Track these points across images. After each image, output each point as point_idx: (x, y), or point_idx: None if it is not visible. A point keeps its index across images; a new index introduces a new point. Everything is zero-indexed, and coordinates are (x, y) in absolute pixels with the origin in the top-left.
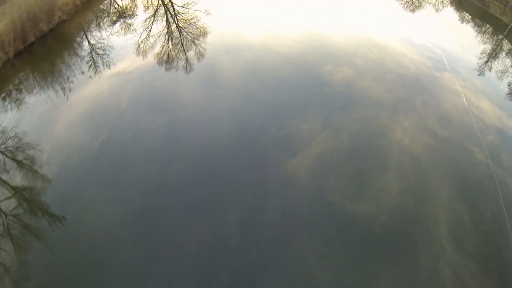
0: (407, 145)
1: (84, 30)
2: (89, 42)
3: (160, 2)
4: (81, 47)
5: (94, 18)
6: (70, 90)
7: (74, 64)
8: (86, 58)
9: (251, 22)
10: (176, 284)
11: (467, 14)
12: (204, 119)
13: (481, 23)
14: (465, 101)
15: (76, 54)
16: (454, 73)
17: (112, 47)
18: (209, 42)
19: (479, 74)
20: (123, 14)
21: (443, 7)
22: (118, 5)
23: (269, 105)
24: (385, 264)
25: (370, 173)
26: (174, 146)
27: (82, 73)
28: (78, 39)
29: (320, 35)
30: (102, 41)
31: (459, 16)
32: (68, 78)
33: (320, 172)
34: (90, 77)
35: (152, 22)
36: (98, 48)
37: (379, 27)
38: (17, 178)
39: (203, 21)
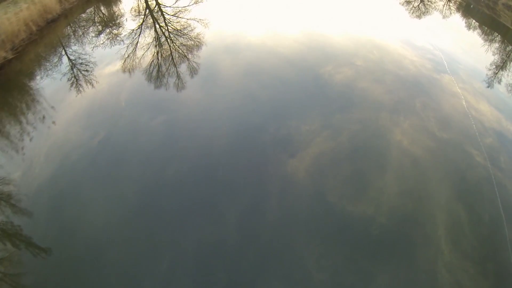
0: (406, 147)
1: (62, 45)
2: (69, 58)
3: (147, 12)
4: (52, 72)
5: (75, 31)
6: (30, 139)
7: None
8: (63, 79)
9: (251, 22)
10: (174, 283)
11: (473, 21)
12: (203, 118)
13: (488, 31)
14: (464, 103)
15: (33, 99)
16: (454, 75)
17: (95, 63)
18: (209, 42)
19: (488, 86)
20: (108, 24)
21: (450, 13)
22: (103, 14)
23: (268, 105)
24: (383, 265)
25: (369, 174)
26: (173, 145)
27: (42, 117)
28: (35, 80)
29: (320, 36)
30: (84, 56)
31: (465, 22)
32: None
33: (319, 173)
34: (53, 122)
35: (139, 35)
36: (81, 64)
37: (380, 28)
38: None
39: (198, 30)
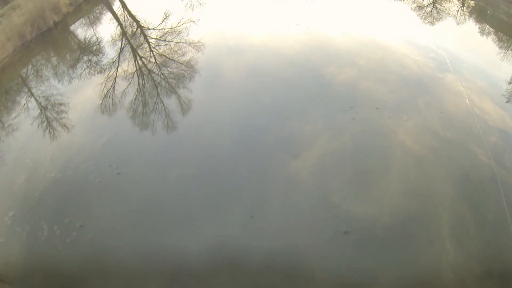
0: (409, 146)
1: (27, 87)
2: (37, 100)
3: (125, 40)
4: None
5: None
6: None
7: None
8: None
9: (253, 24)
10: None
11: (488, 26)
12: (206, 119)
13: (505, 37)
14: (468, 102)
15: None
16: (457, 74)
17: (67, 105)
18: (211, 43)
19: (507, 101)
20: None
21: (465, 19)
22: (79, 40)
23: (271, 106)
24: (386, 266)
25: (372, 174)
26: (176, 146)
27: None
28: None
29: (323, 36)
30: (57, 97)
31: (479, 27)
32: None
33: (322, 173)
34: None
35: (117, 68)
36: (54, 104)
37: (382, 28)
38: None
39: (191, 54)
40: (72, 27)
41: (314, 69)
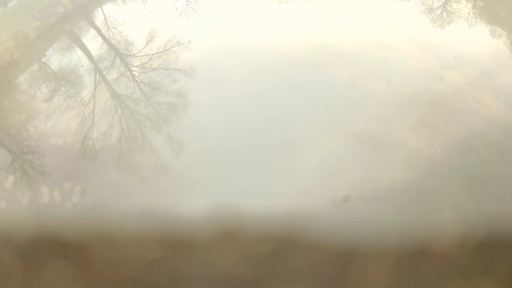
0: (412, 144)
1: None
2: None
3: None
4: None
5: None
6: None
7: None
8: None
9: (254, 24)
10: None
11: (499, 28)
12: (209, 121)
13: None
14: (470, 98)
15: None
16: (459, 70)
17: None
18: (212, 45)
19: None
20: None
21: (476, 21)
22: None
23: (273, 106)
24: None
25: (376, 172)
26: (178, 147)
27: None
28: None
29: (324, 35)
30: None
31: (489, 29)
32: None
33: (326, 172)
34: None
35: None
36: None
37: (383, 26)
38: None
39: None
40: (18, 80)
41: (316, 68)
